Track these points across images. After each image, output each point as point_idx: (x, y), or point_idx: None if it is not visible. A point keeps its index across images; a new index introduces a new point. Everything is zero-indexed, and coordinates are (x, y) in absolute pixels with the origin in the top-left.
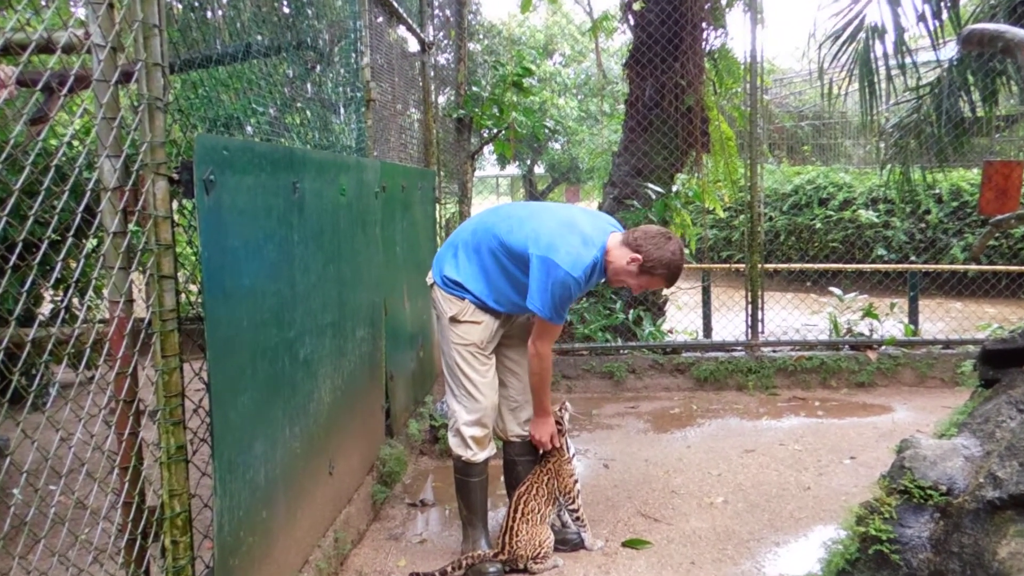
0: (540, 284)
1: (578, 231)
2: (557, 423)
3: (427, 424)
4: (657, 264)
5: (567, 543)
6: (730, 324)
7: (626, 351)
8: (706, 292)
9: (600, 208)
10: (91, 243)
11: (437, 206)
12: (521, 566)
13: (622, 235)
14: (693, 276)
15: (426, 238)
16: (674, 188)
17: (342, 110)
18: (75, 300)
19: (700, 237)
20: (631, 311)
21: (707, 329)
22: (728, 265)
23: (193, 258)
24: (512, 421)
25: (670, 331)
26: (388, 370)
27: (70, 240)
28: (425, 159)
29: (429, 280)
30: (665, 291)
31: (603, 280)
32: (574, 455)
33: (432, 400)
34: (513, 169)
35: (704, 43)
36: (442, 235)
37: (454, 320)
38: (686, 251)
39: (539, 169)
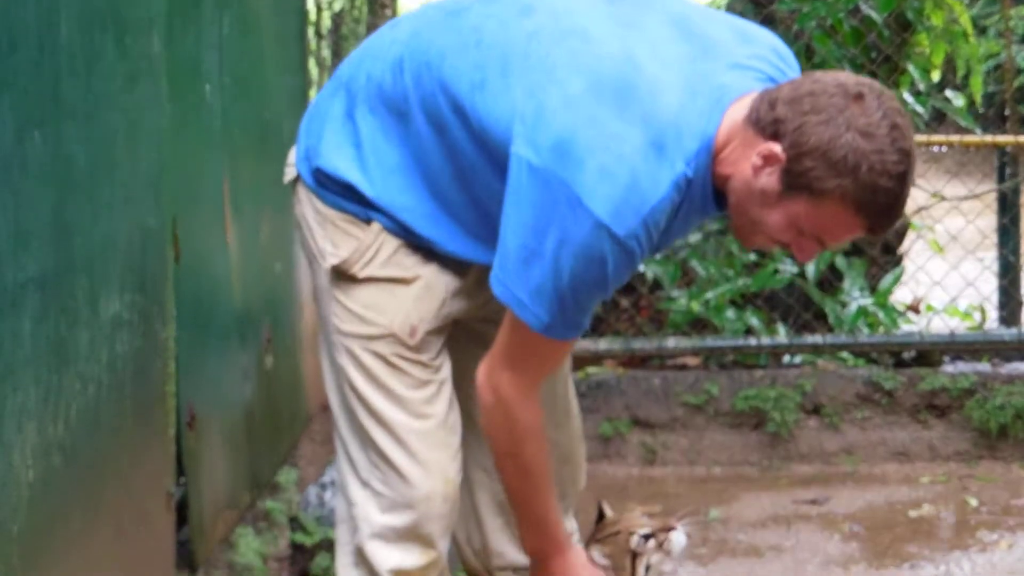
0: (526, 239)
1: (642, 98)
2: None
3: (283, 537)
4: (823, 163)
5: None
6: None
7: (798, 358)
8: (1007, 203)
9: None
10: None
11: None
12: None
13: (753, 99)
14: (975, 165)
15: (282, 65)
16: None
17: None
18: None
19: (996, 67)
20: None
21: (1007, 303)
22: None
23: None
24: (506, 534)
25: (912, 307)
26: (184, 401)
27: None
28: None
29: (289, 172)
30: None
31: (711, 217)
32: None
33: (297, 476)
34: None
35: None
36: (325, 60)
37: (342, 275)
38: (958, 102)
39: None
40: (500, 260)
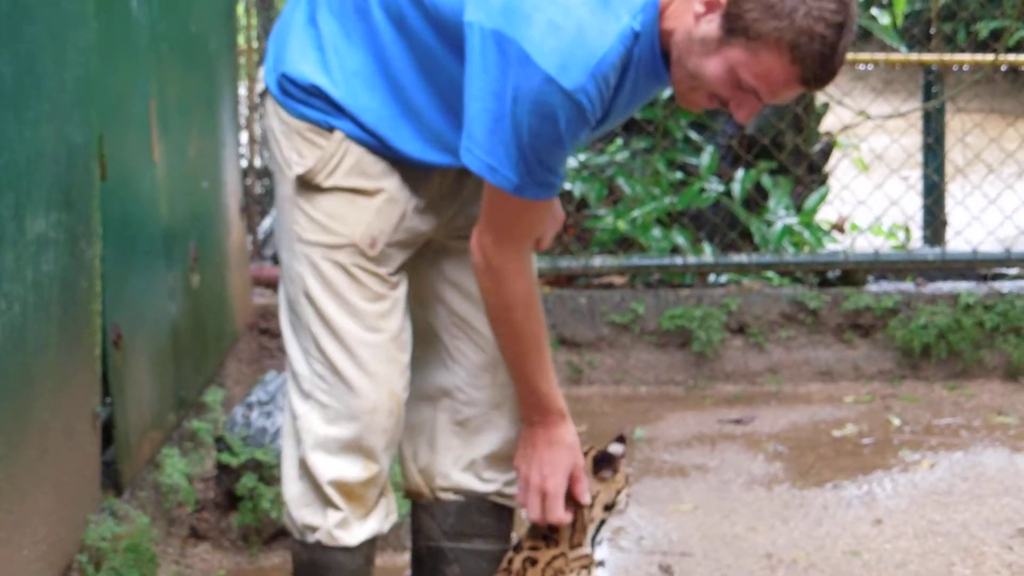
0: (488, 104)
1: None
2: (601, 469)
3: (209, 457)
4: (761, 6)
5: None
6: (991, 211)
7: (724, 277)
8: (932, 121)
9: None
10: None
11: None
12: None
13: None
14: (900, 84)
15: None
16: None
17: None
18: None
19: None
20: (739, 172)
21: (931, 222)
22: (991, 58)
23: None
24: (456, 457)
25: (837, 226)
26: (110, 320)
27: None
28: None
29: (258, 87)
30: (825, 128)
31: (658, 90)
32: (601, 561)
33: (224, 396)
34: None
35: None
36: None
37: (306, 184)
38: (883, 20)
39: None
40: (466, 129)
